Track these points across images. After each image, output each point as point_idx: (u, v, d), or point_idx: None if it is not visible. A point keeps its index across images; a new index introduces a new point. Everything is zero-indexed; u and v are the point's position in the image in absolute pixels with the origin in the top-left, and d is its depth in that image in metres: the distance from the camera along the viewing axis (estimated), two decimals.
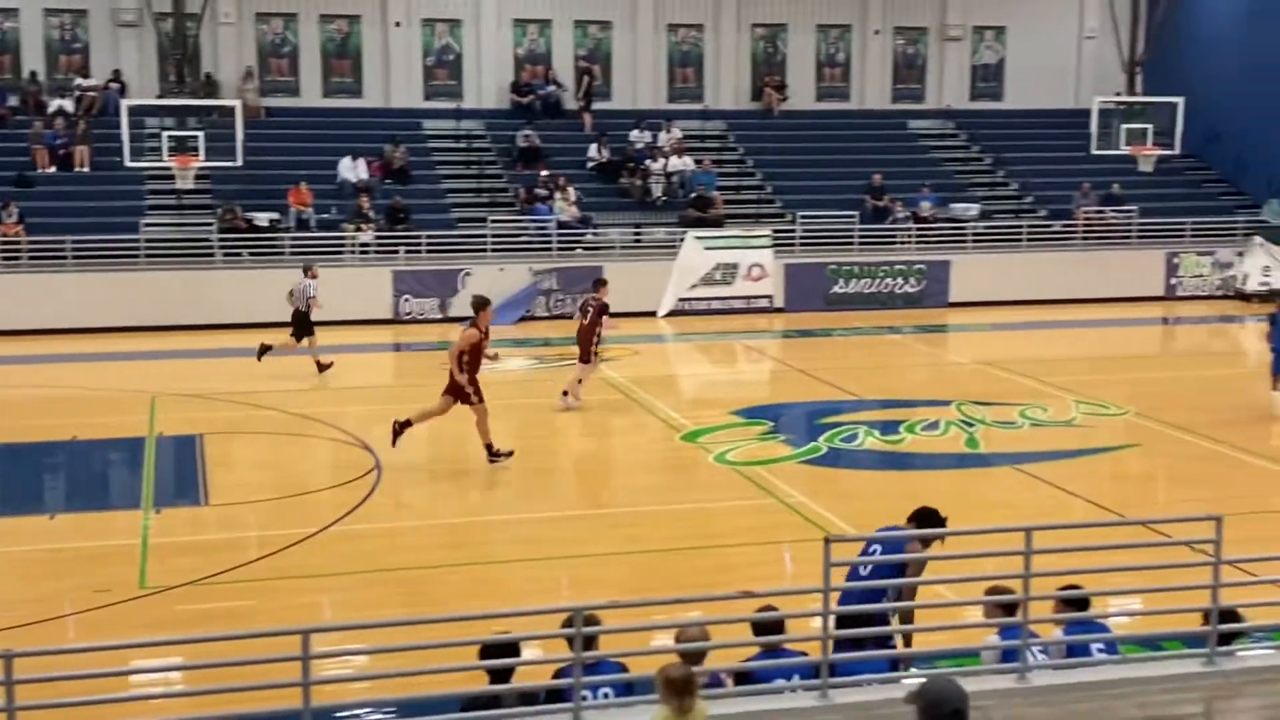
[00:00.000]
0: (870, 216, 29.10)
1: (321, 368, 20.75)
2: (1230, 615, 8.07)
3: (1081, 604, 8.36)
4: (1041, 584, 8.13)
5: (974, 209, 29.83)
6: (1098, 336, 24.99)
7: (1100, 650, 8.08)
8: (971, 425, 17.54)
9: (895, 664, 7.88)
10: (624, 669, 7.36)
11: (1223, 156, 32.46)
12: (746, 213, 29.56)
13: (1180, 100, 27.99)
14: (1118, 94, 30.57)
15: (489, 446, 15.45)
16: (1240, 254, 28.47)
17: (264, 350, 20.70)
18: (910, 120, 33.67)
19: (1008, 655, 7.64)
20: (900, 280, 27.68)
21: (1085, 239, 29.19)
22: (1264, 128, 31.30)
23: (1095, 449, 16.65)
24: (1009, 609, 7.87)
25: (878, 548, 8.48)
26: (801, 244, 28.06)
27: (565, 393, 18.54)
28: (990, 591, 8.13)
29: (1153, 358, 24.06)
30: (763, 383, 21.88)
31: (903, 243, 28.62)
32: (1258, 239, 28.28)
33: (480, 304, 15.75)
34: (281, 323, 21.00)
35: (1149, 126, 28.28)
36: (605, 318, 18.73)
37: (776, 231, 27.80)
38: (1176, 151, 29.02)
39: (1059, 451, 16.38)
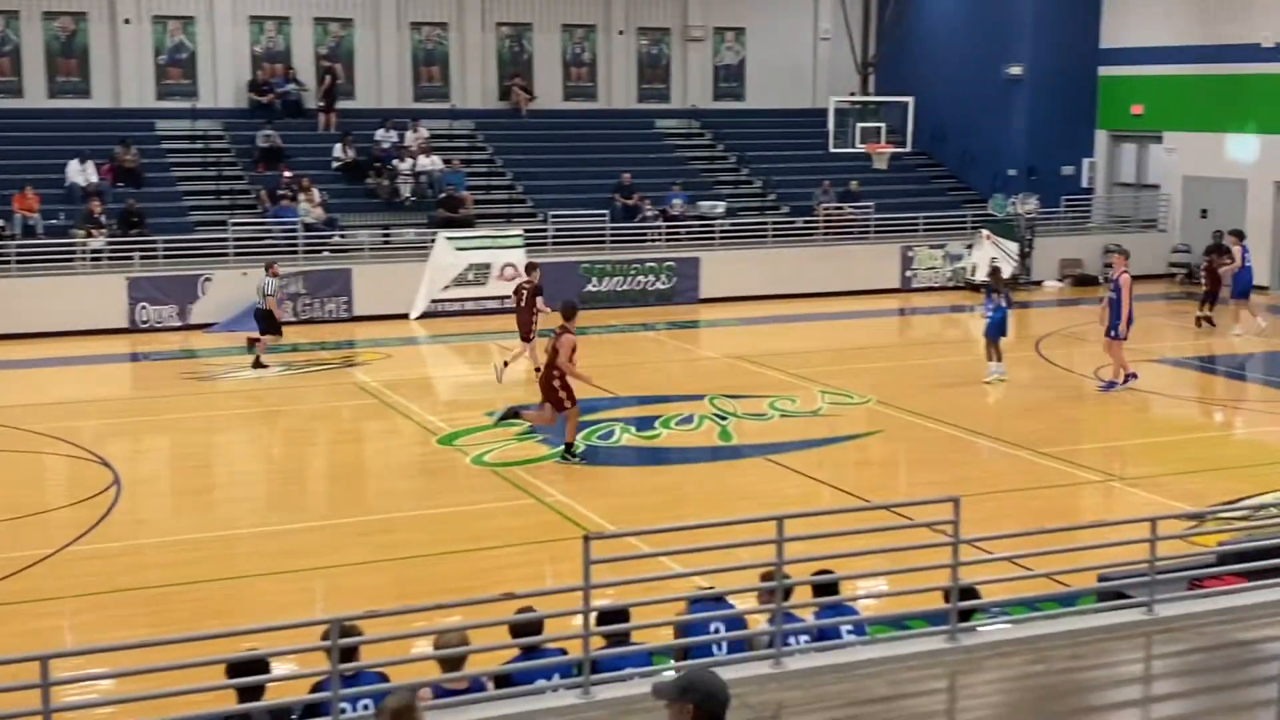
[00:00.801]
0: (621, 215, 29.40)
1: (258, 364, 21.01)
2: (969, 592, 8.45)
3: (831, 588, 8.62)
4: (793, 570, 8.35)
5: (721, 206, 30.46)
6: (840, 328, 25.85)
7: (850, 632, 8.36)
8: (724, 418, 17.91)
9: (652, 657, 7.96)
10: (385, 679, 7.24)
11: (950, 154, 34.02)
12: (497, 212, 29.48)
13: (910, 100, 29.16)
14: (852, 94, 31.69)
15: (569, 445, 15.67)
16: (969, 246, 29.87)
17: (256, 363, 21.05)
18: (657, 119, 34.16)
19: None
20: (652, 278, 28.05)
21: (826, 234, 30.14)
22: (986, 126, 32.95)
23: (841, 437, 17.21)
24: (784, 592, 8.06)
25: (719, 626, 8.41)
26: (554, 243, 28.13)
27: (506, 363, 20.18)
28: (764, 577, 8.29)
29: (891, 347, 25.00)
30: (519, 383, 21.83)
31: (653, 240, 29.02)
32: (984, 232, 29.75)
33: (572, 309, 15.87)
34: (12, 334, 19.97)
35: (882, 125, 29.36)
36: (539, 299, 19.84)
37: (528, 231, 27.79)
38: (908, 149, 30.20)
39: (807, 441, 16.89)
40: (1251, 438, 17.78)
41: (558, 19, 33.65)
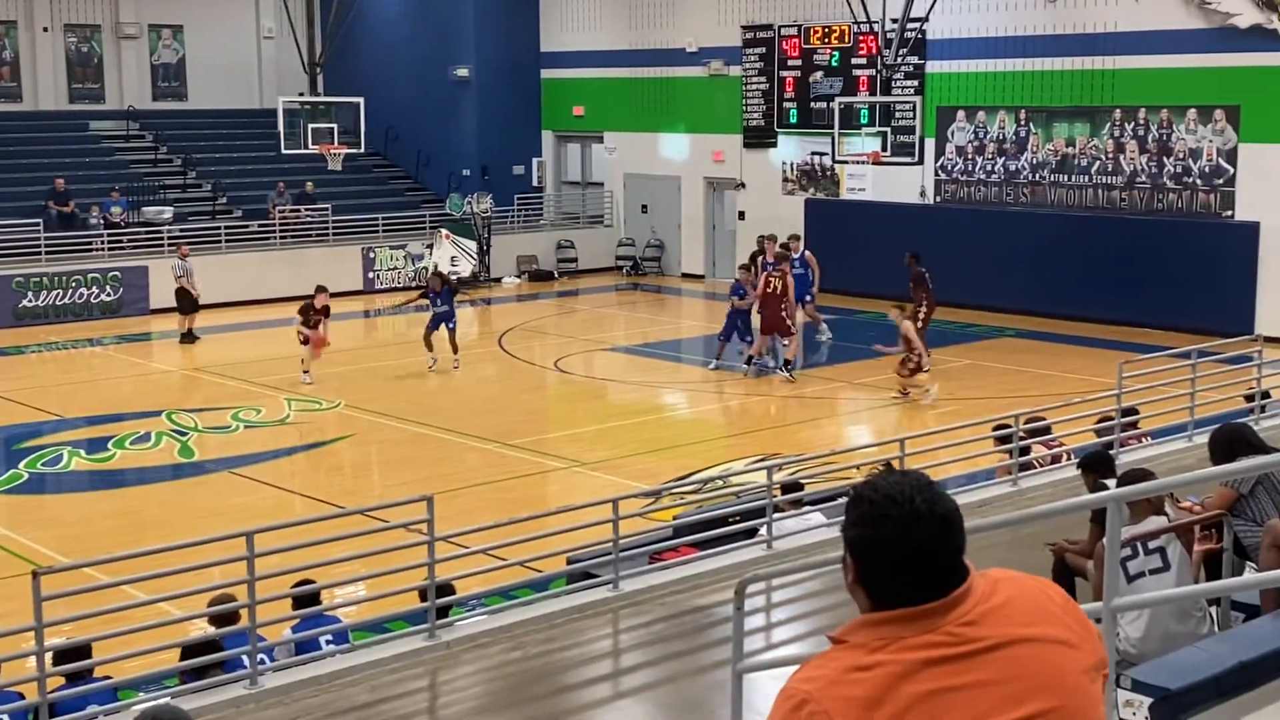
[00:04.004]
0: (56, 224, 27.42)
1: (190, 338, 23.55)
2: (446, 589, 8.56)
3: (311, 599, 8.47)
4: (269, 586, 8.12)
5: (167, 212, 29.08)
6: None
7: (330, 642, 8.24)
8: (184, 434, 17.14)
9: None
10: None
11: (404, 154, 34.25)
12: None
13: (360, 100, 29.04)
14: (301, 94, 31.15)
15: (789, 362, 19.37)
16: (429, 246, 30.24)
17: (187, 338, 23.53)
18: (91, 121, 32.12)
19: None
20: (96, 289, 26.37)
21: (283, 238, 29.52)
22: (438, 127, 33.47)
23: (311, 444, 16.95)
24: (228, 618, 7.81)
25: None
26: None
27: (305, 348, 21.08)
28: (214, 602, 8.01)
29: (358, 350, 24.82)
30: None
31: (96, 250, 27.27)
32: (444, 231, 30.22)
33: (785, 252, 20.33)
34: None
35: (334, 126, 29.03)
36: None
37: None
38: (363, 150, 30.14)
39: (276, 450, 16.50)
40: (696, 416, 19.14)
41: None
